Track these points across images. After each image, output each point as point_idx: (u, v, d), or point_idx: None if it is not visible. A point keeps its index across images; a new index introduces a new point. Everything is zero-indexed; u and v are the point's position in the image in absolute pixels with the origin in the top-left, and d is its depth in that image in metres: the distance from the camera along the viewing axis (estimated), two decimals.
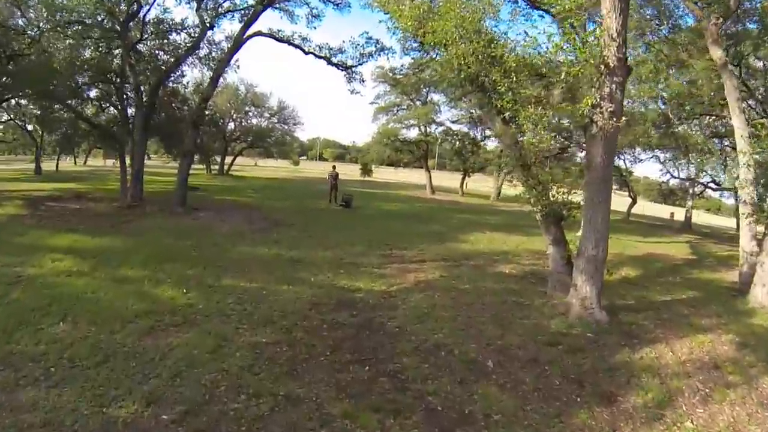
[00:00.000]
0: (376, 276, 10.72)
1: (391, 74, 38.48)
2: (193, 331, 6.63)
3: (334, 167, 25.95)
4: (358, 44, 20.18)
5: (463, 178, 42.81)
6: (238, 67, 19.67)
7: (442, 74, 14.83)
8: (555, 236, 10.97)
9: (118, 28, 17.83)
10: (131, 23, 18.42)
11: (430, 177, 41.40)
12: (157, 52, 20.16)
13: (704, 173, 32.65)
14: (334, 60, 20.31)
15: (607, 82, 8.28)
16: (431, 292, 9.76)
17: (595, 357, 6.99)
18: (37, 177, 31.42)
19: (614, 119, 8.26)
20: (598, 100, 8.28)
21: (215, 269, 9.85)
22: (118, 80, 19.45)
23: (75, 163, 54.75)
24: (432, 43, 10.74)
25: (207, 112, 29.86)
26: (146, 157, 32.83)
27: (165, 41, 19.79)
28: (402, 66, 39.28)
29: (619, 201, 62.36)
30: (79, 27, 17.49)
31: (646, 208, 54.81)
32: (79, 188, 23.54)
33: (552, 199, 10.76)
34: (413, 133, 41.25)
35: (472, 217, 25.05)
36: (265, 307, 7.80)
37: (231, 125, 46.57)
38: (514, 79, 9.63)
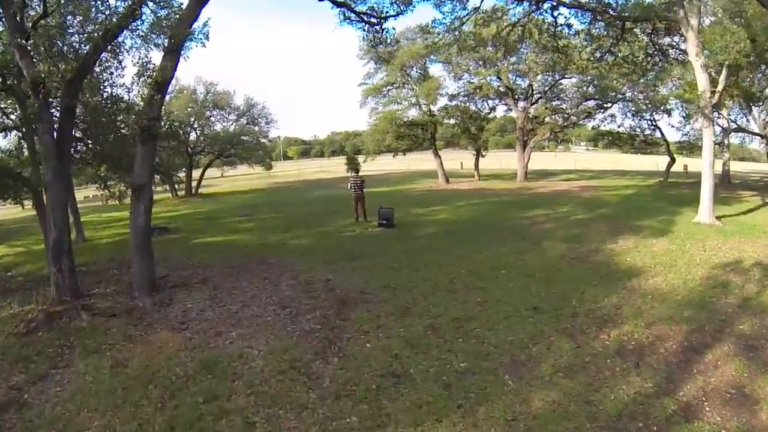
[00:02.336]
0: None
1: (384, 47, 30.71)
2: None
3: (357, 171, 18.16)
4: None
5: (477, 159, 35.49)
6: (207, 35, 11.38)
7: None
8: None
9: None
10: None
11: (442, 164, 33.87)
12: (71, 29, 11.89)
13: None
14: (360, 9, 12.46)
15: None
16: None
17: None
18: None
19: None
20: None
21: None
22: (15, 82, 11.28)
23: (22, 206, 44.25)
24: None
25: (164, 122, 21.72)
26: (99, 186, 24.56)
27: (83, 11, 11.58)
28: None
29: (630, 160, 57.54)
30: None
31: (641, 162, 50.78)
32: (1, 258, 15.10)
33: None
34: (412, 114, 33.53)
35: (552, 214, 18.03)
36: None
37: (193, 135, 37.84)
38: None
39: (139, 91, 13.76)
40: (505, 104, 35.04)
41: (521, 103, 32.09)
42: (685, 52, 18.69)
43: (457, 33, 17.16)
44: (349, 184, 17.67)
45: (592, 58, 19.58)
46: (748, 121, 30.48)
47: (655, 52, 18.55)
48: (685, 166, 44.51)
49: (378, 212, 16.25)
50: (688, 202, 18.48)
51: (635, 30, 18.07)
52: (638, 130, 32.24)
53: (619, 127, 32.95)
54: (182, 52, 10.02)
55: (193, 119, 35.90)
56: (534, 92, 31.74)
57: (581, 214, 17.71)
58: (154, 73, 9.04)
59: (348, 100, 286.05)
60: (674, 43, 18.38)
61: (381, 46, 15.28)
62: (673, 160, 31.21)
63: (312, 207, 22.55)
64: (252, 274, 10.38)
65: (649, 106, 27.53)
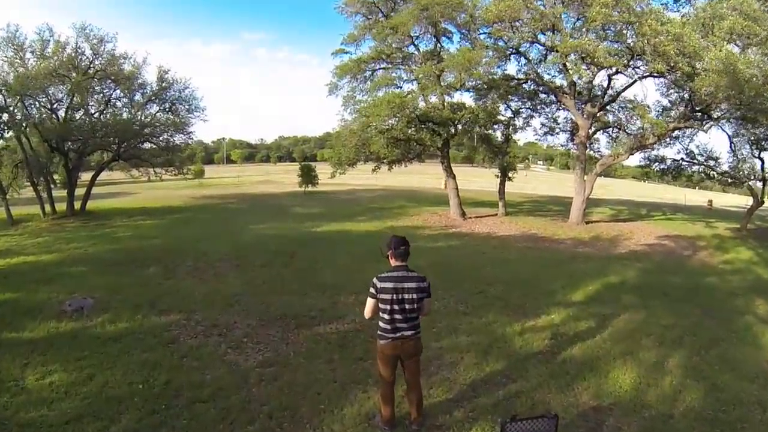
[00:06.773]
0: None
1: None
2: None
3: (400, 245, 4.58)
4: None
5: (503, 184, 23.34)
6: None
7: None
8: None
9: None
10: None
11: (457, 188, 21.51)
12: None
13: None
14: None
15: None
16: None
17: None
18: None
19: None
20: None
21: None
22: None
23: None
24: None
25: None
26: None
27: None
28: None
29: (617, 185, 47.33)
30: None
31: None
32: None
33: None
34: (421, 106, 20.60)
35: None
36: None
37: (85, 120, 23.58)
38: None
39: None
40: (539, 108, 23.33)
41: (584, 107, 20.19)
42: None
43: None
44: (372, 288, 4.35)
45: None
46: None
47: None
48: (710, 201, 36.41)
49: None
50: None
51: None
52: (700, 158, 22.36)
53: (678, 153, 23.40)
54: None
55: (65, 95, 21.69)
56: (608, 91, 19.90)
57: None
58: None
59: (298, 105, 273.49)
60: None
61: None
62: (760, 203, 21.21)
63: (248, 283, 9.58)
64: None
65: None
